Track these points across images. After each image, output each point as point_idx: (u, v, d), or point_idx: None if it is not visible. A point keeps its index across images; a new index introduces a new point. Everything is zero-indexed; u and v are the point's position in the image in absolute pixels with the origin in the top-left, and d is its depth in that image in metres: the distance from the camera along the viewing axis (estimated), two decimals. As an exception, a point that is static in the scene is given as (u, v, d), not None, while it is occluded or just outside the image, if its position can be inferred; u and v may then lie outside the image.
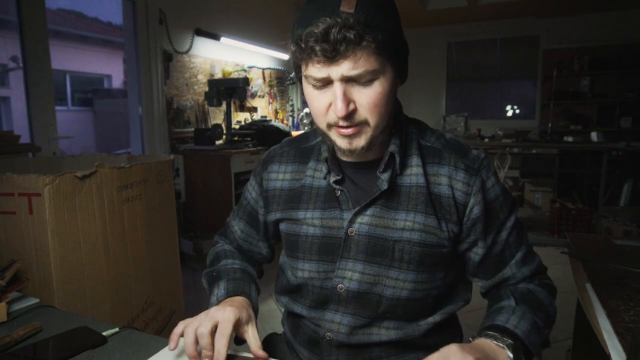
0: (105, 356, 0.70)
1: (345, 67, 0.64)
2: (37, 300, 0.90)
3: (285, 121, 4.82)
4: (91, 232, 1.17)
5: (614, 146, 4.19)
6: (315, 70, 0.66)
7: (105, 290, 1.23)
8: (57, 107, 2.58)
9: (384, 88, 0.68)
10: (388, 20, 0.67)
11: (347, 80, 0.66)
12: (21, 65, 2.42)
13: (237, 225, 0.95)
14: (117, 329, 0.77)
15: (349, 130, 0.69)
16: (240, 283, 0.81)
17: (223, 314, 0.67)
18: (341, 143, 0.72)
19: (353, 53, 0.63)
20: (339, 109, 0.66)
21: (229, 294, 0.77)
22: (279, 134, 3.58)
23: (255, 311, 0.78)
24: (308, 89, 0.71)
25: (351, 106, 0.67)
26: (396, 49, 0.69)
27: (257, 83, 4.30)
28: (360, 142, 0.71)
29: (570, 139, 4.23)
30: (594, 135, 4.04)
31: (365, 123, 0.70)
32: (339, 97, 0.66)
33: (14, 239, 1.10)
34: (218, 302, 0.76)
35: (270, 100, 4.66)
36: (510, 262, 0.79)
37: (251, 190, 0.92)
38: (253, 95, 4.26)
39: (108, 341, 0.74)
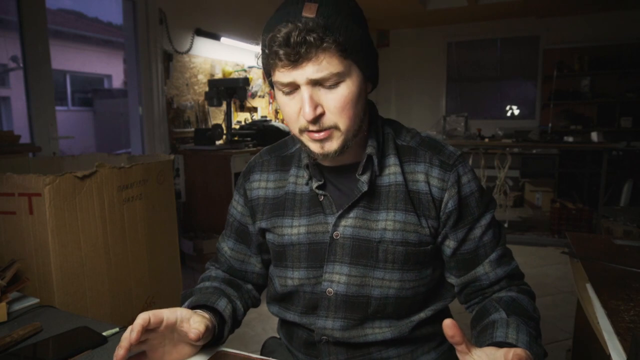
0: (105, 356, 0.70)
1: (309, 71, 0.65)
2: (37, 300, 0.90)
3: (285, 121, 4.82)
4: (91, 232, 1.17)
5: (614, 146, 4.19)
6: (281, 75, 0.68)
7: (105, 290, 1.23)
8: (57, 107, 2.58)
9: (351, 91, 0.69)
10: (350, 24, 0.67)
11: (314, 83, 0.67)
12: (21, 65, 2.42)
13: (226, 245, 0.92)
14: (117, 329, 0.77)
15: (320, 135, 0.70)
16: (206, 295, 0.78)
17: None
18: (314, 147, 0.72)
19: (315, 56, 0.65)
20: (307, 112, 0.67)
21: (190, 306, 0.74)
22: (279, 134, 3.58)
23: (226, 319, 0.75)
24: (278, 95, 0.72)
25: (319, 110, 0.68)
26: (361, 52, 0.70)
27: (257, 83, 4.30)
28: (332, 145, 0.71)
29: (570, 139, 4.22)
30: (594, 135, 4.03)
31: (334, 127, 0.70)
32: (305, 101, 0.67)
33: (14, 239, 1.10)
34: None
35: (271, 100, 4.66)
36: (484, 261, 0.79)
37: (236, 205, 0.90)
38: (253, 95, 4.26)
39: (108, 341, 0.74)
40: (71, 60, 7.76)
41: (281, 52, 0.64)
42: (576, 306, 1.50)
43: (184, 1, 3.42)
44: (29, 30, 2.36)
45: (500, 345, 0.66)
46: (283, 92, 0.71)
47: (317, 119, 0.68)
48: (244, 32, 4.09)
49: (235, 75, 3.93)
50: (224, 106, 3.55)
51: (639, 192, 4.54)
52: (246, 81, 3.39)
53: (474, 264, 0.79)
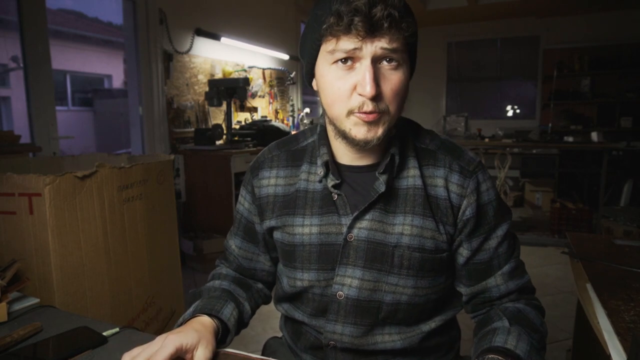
0: (106, 356, 0.70)
1: (382, 41, 0.64)
2: (37, 300, 0.90)
3: (285, 121, 4.82)
4: (91, 232, 1.17)
5: (614, 146, 4.19)
6: (346, 42, 0.65)
7: (106, 290, 1.23)
8: (58, 107, 2.58)
9: (406, 77, 0.69)
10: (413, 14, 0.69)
11: (377, 60, 0.66)
12: (21, 65, 2.42)
13: (234, 244, 0.89)
14: (117, 329, 0.77)
15: (370, 117, 0.67)
16: (212, 301, 0.77)
17: (160, 346, 0.63)
18: (357, 132, 0.69)
19: (389, 32, 0.64)
20: (369, 88, 0.64)
21: (196, 312, 0.74)
22: (279, 134, 3.58)
23: (230, 328, 0.75)
24: (330, 70, 0.69)
25: (378, 89, 0.66)
26: (416, 44, 0.71)
27: (257, 83, 4.30)
28: (378, 131, 0.69)
29: (570, 139, 4.22)
30: (594, 135, 4.03)
31: (386, 112, 0.68)
32: (368, 77, 0.64)
33: (14, 239, 1.10)
34: (184, 321, 0.73)
35: (271, 100, 4.66)
36: (497, 273, 0.77)
37: (243, 202, 0.87)
38: (253, 95, 4.26)
39: (108, 341, 0.74)
40: (71, 60, 7.76)
41: (357, 19, 0.62)
42: (576, 306, 1.50)
43: (184, 1, 3.42)
44: (29, 30, 2.36)
45: (497, 350, 0.65)
46: (338, 63, 0.67)
47: (375, 97, 0.66)
48: (244, 32, 4.09)
49: (235, 75, 3.93)
50: (224, 106, 3.55)
51: (639, 192, 4.54)
52: (246, 81, 3.39)
53: (486, 275, 0.77)
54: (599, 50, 5.44)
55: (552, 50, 5.68)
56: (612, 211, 3.43)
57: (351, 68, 0.67)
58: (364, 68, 0.65)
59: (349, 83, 0.67)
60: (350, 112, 0.68)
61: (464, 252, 0.77)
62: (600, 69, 5.42)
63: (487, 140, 4.39)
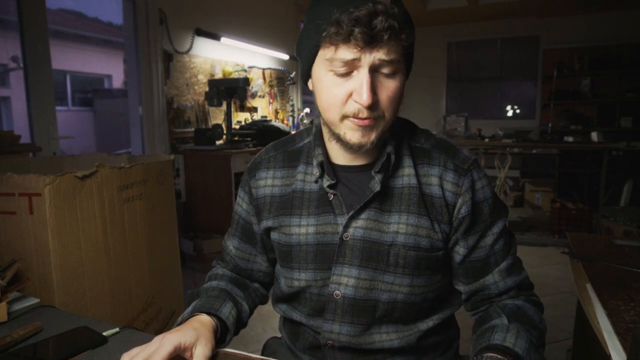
0: (106, 356, 0.70)
1: (380, 53, 0.65)
2: (37, 300, 0.90)
3: (285, 121, 4.82)
4: (91, 232, 1.17)
5: (614, 146, 4.19)
6: (345, 52, 0.65)
7: (106, 290, 1.23)
8: (58, 107, 2.58)
9: (402, 83, 0.70)
10: (412, 22, 0.70)
11: (374, 69, 0.66)
12: (21, 65, 2.42)
13: (231, 245, 0.90)
14: (117, 329, 0.77)
15: (365, 122, 0.68)
16: (211, 300, 0.77)
17: (159, 345, 0.63)
18: (352, 136, 0.70)
19: (389, 44, 0.64)
20: (365, 97, 0.65)
21: (195, 312, 0.74)
22: (279, 134, 3.58)
23: (229, 327, 0.75)
24: (327, 76, 0.69)
25: (374, 97, 0.67)
26: (412, 51, 0.71)
27: (257, 83, 4.30)
28: (372, 135, 0.70)
29: (570, 139, 4.22)
30: (594, 135, 4.03)
31: (381, 117, 0.69)
32: (366, 85, 0.65)
33: (14, 239, 1.10)
34: (183, 320, 0.74)
35: (271, 100, 4.66)
36: (494, 270, 0.77)
37: (241, 203, 0.88)
38: (253, 95, 4.26)
39: (108, 341, 0.74)
40: (71, 60, 7.76)
41: (357, 30, 0.62)
42: (576, 306, 1.50)
43: (184, 1, 3.42)
44: (29, 30, 2.36)
45: (496, 348, 0.65)
46: (336, 72, 0.67)
47: (371, 105, 0.67)
48: (244, 32, 4.09)
49: (235, 75, 3.93)
50: (224, 106, 3.55)
51: (639, 192, 4.54)
52: (246, 81, 3.38)
53: (483, 273, 0.77)
54: (599, 50, 5.44)
55: (552, 50, 5.68)
56: (612, 211, 3.43)
57: (348, 75, 0.68)
58: (361, 77, 0.66)
59: (345, 89, 0.68)
60: (344, 117, 0.69)
61: (460, 250, 0.77)
62: (600, 69, 5.42)
63: (487, 140, 4.39)
